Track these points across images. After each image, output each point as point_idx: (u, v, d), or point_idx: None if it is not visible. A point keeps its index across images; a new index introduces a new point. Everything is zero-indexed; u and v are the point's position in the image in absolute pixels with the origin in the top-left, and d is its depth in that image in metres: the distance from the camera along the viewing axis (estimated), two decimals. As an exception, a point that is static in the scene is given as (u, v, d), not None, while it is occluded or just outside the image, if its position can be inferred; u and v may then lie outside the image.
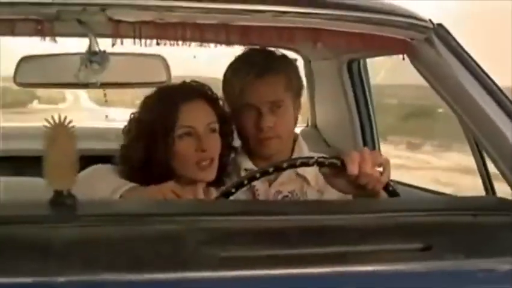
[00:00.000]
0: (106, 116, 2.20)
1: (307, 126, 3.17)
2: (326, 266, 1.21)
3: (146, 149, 1.98)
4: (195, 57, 2.33)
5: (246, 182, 1.76)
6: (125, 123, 2.09)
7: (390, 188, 1.80)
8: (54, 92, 15.85)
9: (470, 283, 1.23)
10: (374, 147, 2.89)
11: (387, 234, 1.38)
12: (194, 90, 2.06)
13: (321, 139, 3.05)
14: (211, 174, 2.00)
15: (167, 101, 2.00)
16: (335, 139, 3.01)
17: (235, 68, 2.15)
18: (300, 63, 2.92)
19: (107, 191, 1.85)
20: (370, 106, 2.89)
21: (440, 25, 1.88)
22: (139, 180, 1.93)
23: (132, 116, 2.06)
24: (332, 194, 1.93)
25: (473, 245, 1.36)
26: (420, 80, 1.92)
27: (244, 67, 2.10)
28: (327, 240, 1.30)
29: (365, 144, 2.86)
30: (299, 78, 2.21)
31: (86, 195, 1.66)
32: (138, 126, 2.02)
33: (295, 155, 2.15)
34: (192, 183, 1.99)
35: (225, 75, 2.18)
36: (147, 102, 2.05)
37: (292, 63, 2.21)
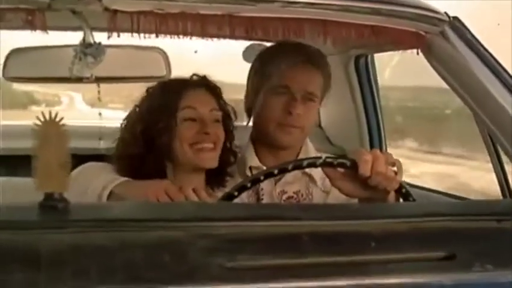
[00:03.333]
0: (100, 114, 2.13)
1: (310, 125, 3.06)
2: (342, 277, 1.12)
3: (147, 133, 1.93)
4: (196, 52, 2.23)
5: (249, 185, 1.67)
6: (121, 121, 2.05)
7: (404, 191, 1.70)
8: (49, 95, 15.76)
9: (502, 296, 1.13)
10: (381, 148, 2.80)
11: (406, 241, 1.27)
12: (196, 80, 2.03)
13: (325, 138, 2.97)
14: (213, 161, 1.95)
15: (170, 88, 1.97)
16: (340, 139, 2.93)
17: (278, 53, 2.10)
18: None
19: (98, 188, 1.78)
20: (378, 104, 2.80)
21: (455, 18, 1.82)
22: (136, 173, 1.87)
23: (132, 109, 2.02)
24: (339, 195, 1.83)
25: (501, 253, 1.25)
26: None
27: (291, 54, 2.05)
28: (342, 249, 1.20)
29: (371, 144, 2.77)
30: (330, 82, 2.15)
31: (77, 195, 1.61)
32: (139, 112, 1.98)
33: (301, 154, 2.10)
34: (192, 172, 1.94)
35: (260, 58, 2.14)
36: (149, 92, 2.01)
37: (328, 64, 2.16)
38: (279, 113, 2.01)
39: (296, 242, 1.19)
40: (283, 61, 2.04)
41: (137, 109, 2.00)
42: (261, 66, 2.10)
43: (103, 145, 2.54)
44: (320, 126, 3.01)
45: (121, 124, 2.02)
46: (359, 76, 2.75)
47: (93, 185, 1.80)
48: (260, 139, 2.10)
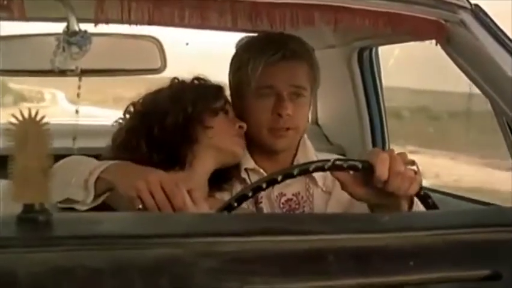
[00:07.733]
0: (76, 111, 2.01)
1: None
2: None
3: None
4: (187, 44, 2.09)
5: (250, 194, 1.54)
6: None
7: (422, 193, 1.56)
8: (33, 91, 15.68)
9: None
10: (384, 148, 2.67)
11: (443, 257, 1.11)
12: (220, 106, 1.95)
13: (323, 137, 2.86)
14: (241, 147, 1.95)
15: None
16: (340, 137, 2.80)
17: (257, 48, 1.97)
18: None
19: (84, 174, 1.63)
20: (382, 101, 2.67)
21: (477, 6, 1.72)
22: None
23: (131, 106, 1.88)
24: (341, 196, 1.78)
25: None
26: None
27: (270, 47, 1.93)
28: (376, 268, 1.04)
29: (374, 143, 2.66)
30: (319, 71, 2.04)
31: (58, 190, 1.52)
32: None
33: (299, 155, 2.01)
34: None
35: (237, 59, 2.01)
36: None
37: (313, 53, 2.05)
38: (268, 117, 1.91)
39: (322, 260, 1.03)
40: (261, 59, 1.92)
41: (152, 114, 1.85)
42: (239, 68, 1.99)
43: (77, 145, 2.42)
44: (317, 123, 2.88)
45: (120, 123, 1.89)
46: (362, 70, 2.63)
47: (78, 173, 1.65)
48: (254, 143, 1.99)
